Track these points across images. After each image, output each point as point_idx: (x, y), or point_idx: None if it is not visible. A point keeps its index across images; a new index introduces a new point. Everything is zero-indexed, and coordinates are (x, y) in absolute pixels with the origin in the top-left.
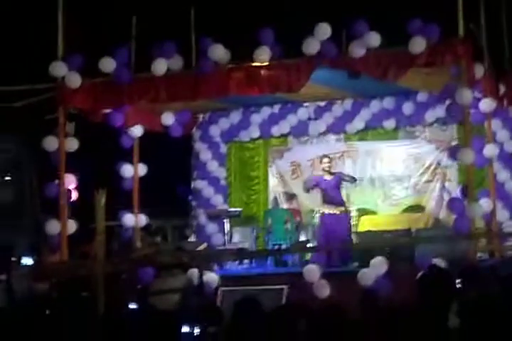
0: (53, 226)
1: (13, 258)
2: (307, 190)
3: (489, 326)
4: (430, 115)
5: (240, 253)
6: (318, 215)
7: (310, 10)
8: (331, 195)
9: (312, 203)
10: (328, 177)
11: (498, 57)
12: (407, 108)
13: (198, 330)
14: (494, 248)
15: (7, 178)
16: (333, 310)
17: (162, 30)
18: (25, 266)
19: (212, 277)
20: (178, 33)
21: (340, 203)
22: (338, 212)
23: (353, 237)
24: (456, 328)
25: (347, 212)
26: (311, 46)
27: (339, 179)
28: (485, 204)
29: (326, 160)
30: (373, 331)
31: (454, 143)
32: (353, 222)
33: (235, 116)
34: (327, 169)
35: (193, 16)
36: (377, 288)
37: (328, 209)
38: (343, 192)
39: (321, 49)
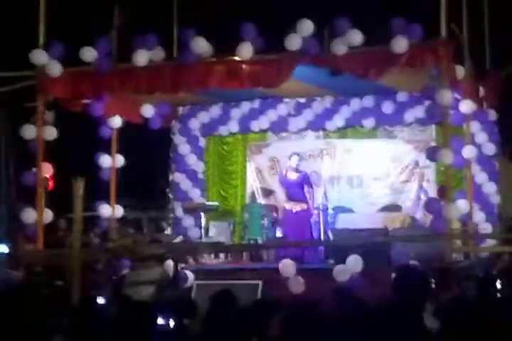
0: (29, 215)
1: None
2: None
3: (465, 326)
4: (409, 115)
5: (216, 247)
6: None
7: (293, 6)
8: (292, 193)
9: None
10: (292, 175)
11: (479, 59)
12: (387, 107)
13: (173, 323)
14: (469, 249)
15: None
16: (308, 306)
17: (144, 21)
18: (0, 253)
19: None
20: (161, 25)
21: (302, 200)
22: (299, 209)
23: (329, 234)
24: (433, 328)
25: (308, 210)
26: (294, 42)
27: (304, 178)
28: (462, 205)
29: (295, 158)
30: (347, 327)
31: (432, 144)
32: (321, 218)
33: (215, 110)
34: (294, 166)
35: (176, 8)
36: (352, 286)
37: (289, 206)
38: (312, 190)
39: (303, 45)
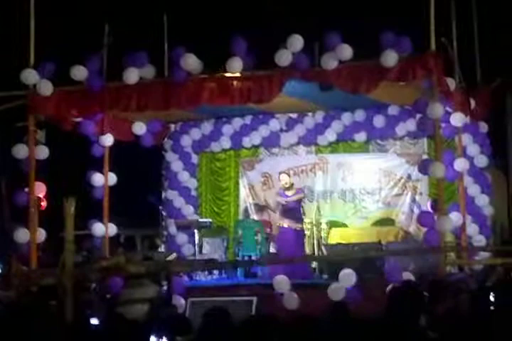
0: (22, 235)
1: None
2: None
3: (458, 339)
4: (401, 128)
5: (210, 264)
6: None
7: (283, 21)
8: (289, 209)
9: None
10: (289, 192)
11: (469, 72)
12: (378, 121)
13: (166, 340)
14: (463, 262)
15: None
16: (303, 322)
17: (135, 38)
18: None
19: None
20: (151, 42)
21: (299, 219)
22: (295, 228)
23: (323, 249)
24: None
25: (302, 229)
26: (284, 58)
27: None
28: (455, 218)
29: (283, 177)
30: None
31: (424, 157)
32: (314, 233)
33: (207, 127)
34: (286, 186)
35: (166, 25)
36: (346, 300)
37: (286, 224)
38: (308, 206)
39: (294, 61)
